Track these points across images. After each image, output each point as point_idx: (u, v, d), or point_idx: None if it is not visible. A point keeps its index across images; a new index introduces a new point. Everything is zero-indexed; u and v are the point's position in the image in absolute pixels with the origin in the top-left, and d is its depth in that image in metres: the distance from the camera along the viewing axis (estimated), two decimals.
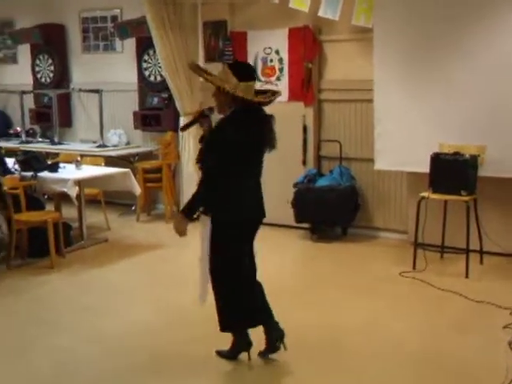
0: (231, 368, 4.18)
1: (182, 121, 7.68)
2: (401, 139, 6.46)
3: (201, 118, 4.10)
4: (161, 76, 8.22)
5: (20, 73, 10.06)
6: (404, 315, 5.01)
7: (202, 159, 3.95)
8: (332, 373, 4.07)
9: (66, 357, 4.40)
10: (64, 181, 6.59)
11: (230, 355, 4.22)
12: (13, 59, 10.33)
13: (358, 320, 4.90)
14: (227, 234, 3.98)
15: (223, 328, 4.15)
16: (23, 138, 9.58)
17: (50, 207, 7.28)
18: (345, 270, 6.19)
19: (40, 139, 9.61)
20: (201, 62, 8.02)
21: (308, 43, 7.18)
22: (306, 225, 7.22)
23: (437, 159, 5.93)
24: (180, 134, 7.98)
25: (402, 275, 5.89)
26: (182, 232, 3.94)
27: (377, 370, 4.08)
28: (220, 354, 4.24)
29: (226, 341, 4.21)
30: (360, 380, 3.99)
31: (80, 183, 6.76)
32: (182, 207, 4.09)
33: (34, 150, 8.46)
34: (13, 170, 6.83)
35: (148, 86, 8.62)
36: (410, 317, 4.98)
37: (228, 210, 3.97)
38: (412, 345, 4.44)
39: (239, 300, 4.10)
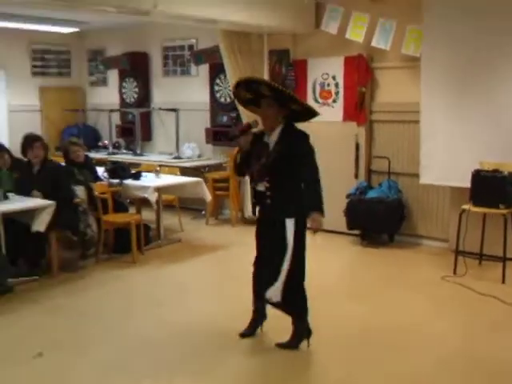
0: (285, 356, 4.16)
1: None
2: (444, 157, 6.38)
3: (248, 129, 4.10)
4: (230, 98, 8.29)
5: (109, 94, 10.30)
6: (445, 316, 4.93)
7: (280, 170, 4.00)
8: (374, 364, 4.05)
9: (137, 340, 4.47)
10: (145, 188, 6.71)
11: (294, 344, 4.20)
12: (103, 82, 10.56)
13: (403, 318, 4.85)
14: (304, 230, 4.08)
15: (304, 321, 4.19)
16: (110, 149, 9.81)
17: (132, 210, 7.43)
18: (391, 273, 6.12)
19: (124, 151, 9.79)
20: None
21: (361, 70, 7.14)
22: (356, 231, 7.17)
23: (477, 175, 5.82)
24: None
25: (443, 279, 5.80)
26: (321, 227, 4.00)
27: (415, 366, 4.02)
28: (282, 345, 4.21)
29: (282, 333, 4.24)
30: (397, 373, 3.93)
31: (159, 190, 6.86)
32: (316, 207, 3.97)
33: (119, 160, 8.64)
34: (102, 177, 7.02)
35: (219, 106, 8.69)
36: (451, 317, 4.90)
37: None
38: (451, 343, 4.37)
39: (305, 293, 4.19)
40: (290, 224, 3.99)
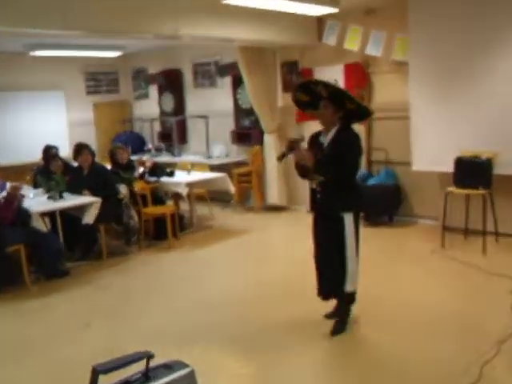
0: (307, 335, 4.01)
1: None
2: (432, 146, 6.28)
3: (293, 145, 3.78)
4: (249, 104, 8.28)
5: (150, 106, 10.41)
6: (433, 283, 4.91)
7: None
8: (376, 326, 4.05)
9: (173, 314, 4.56)
10: (178, 183, 6.80)
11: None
12: (145, 96, 10.68)
13: (396, 287, 4.85)
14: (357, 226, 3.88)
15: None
16: (153, 152, 9.92)
17: (171, 203, 7.53)
18: (387, 248, 6.10)
19: (165, 153, 9.89)
20: (279, 93, 8.09)
21: (359, 75, 7.09)
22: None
23: (459, 161, 5.76)
24: (265, 147, 8.09)
25: (433, 252, 5.74)
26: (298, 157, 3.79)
27: (409, 326, 4.02)
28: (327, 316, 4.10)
29: (299, 310, 4.26)
30: (391, 339, 3.94)
31: (190, 185, 6.92)
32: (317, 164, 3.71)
33: (161, 161, 8.76)
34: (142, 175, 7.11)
35: (241, 112, 8.73)
36: (438, 285, 4.87)
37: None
38: (440, 307, 4.34)
39: None
40: (341, 220, 3.75)
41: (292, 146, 3.76)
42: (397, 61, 6.54)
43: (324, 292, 4.02)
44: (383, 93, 7.07)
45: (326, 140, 3.81)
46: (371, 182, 6.98)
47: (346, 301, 3.99)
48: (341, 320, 4.00)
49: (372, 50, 6.54)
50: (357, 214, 3.85)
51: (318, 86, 3.75)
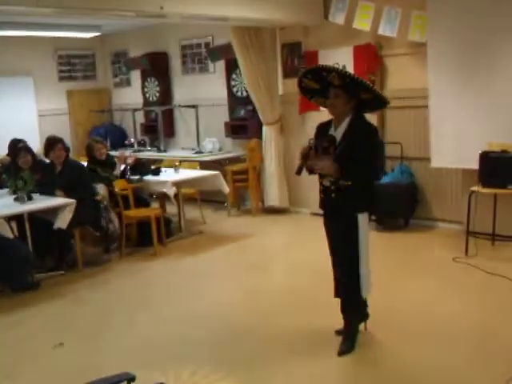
0: (313, 343, 4.12)
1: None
2: (454, 140, 6.30)
3: (308, 153, 3.78)
4: (246, 91, 8.32)
5: (132, 94, 10.45)
6: (454, 296, 4.89)
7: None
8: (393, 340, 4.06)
9: (158, 329, 4.57)
10: (164, 183, 6.80)
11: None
12: (127, 83, 10.71)
13: (414, 300, 4.84)
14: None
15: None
16: (136, 147, 9.96)
17: (156, 205, 7.54)
18: (404, 256, 6.10)
19: (149, 148, 9.92)
20: (279, 79, 8.10)
21: (370, 58, 7.10)
22: (372, 216, 7.12)
23: (485, 157, 5.75)
24: (263, 141, 8.11)
25: (455, 260, 5.74)
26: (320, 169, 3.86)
27: (427, 346, 4.01)
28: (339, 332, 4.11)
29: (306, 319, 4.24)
30: (410, 354, 3.95)
31: (177, 184, 6.93)
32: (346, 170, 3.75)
33: (144, 157, 8.80)
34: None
35: (236, 101, 8.74)
36: (460, 297, 4.86)
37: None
38: (459, 322, 4.34)
39: None
40: (355, 220, 3.80)
41: (307, 154, 3.78)
42: (413, 42, 6.55)
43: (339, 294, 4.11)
44: (398, 78, 7.08)
45: (338, 133, 3.83)
46: (384, 180, 6.99)
47: (356, 314, 4.02)
48: (349, 337, 4.02)
49: (386, 30, 6.57)
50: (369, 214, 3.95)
51: (331, 74, 3.76)
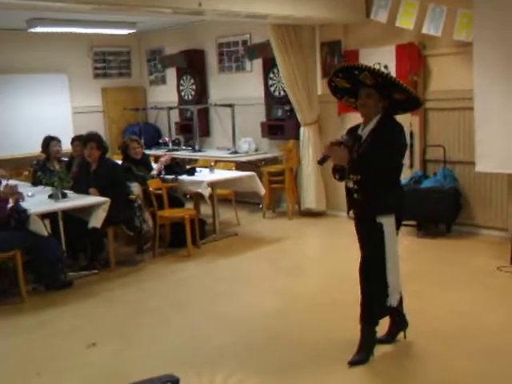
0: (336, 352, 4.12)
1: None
2: (500, 143, 6.15)
3: (332, 146, 3.79)
4: (284, 91, 8.27)
5: (167, 92, 10.49)
6: (496, 307, 4.77)
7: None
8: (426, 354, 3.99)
9: (191, 332, 4.56)
10: (199, 183, 6.81)
11: (391, 339, 4.12)
12: (162, 80, 10.77)
13: (455, 310, 4.74)
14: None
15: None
16: (170, 146, 10.00)
17: (190, 206, 7.55)
18: (446, 264, 5.97)
19: (184, 147, 9.95)
20: (318, 78, 8.06)
21: (413, 58, 6.99)
22: (411, 222, 7.04)
23: None
24: (301, 142, 8.07)
25: (499, 269, 5.61)
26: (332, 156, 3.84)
27: (464, 358, 3.93)
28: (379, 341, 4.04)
29: (341, 325, 4.18)
30: (449, 365, 3.86)
31: (212, 185, 6.94)
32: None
33: (179, 156, 8.83)
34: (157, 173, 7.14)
35: (273, 100, 8.70)
36: (502, 309, 4.74)
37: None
38: (501, 336, 4.23)
39: None
40: (380, 224, 3.74)
41: (331, 147, 3.78)
42: (458, 41, 6.44)
43: None
44: (441, 79, 6.97)
45: (364, 132, 3.81)
46: (426, 184, 6.89)
47: (372, 324, 3.94)
48: (364, 348, 3.93)
49: (430, 29, 6.47)
50: (396, 219, 3.83)
51: (363, 73, 3.70)
